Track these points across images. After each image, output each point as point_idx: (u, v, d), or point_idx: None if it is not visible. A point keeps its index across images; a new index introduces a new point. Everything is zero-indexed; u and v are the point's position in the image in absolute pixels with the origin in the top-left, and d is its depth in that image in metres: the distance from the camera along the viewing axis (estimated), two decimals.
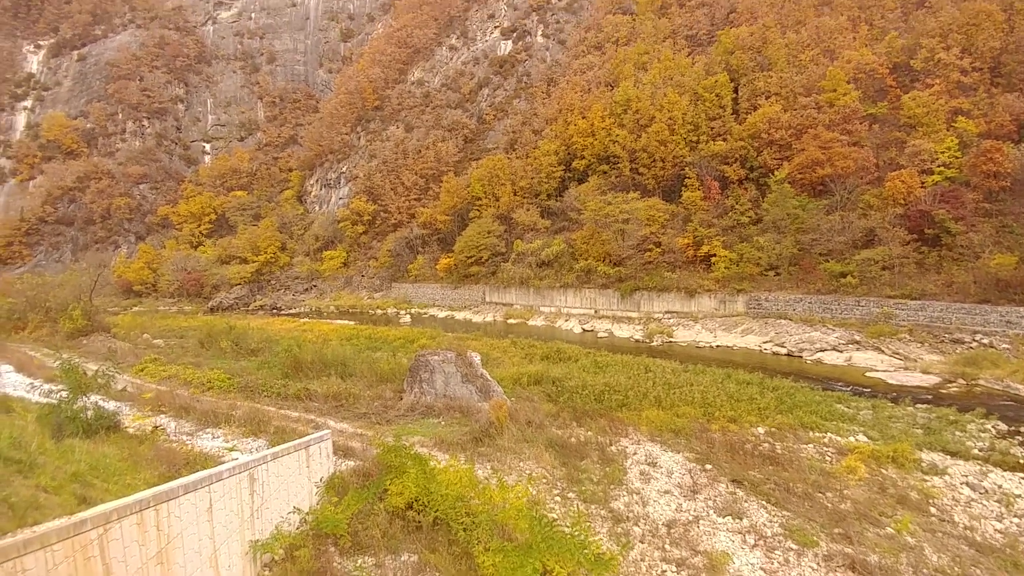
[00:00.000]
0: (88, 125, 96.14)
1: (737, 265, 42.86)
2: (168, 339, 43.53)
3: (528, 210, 59.61)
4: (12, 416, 13.45)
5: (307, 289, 73.60)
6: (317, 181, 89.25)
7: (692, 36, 64.75)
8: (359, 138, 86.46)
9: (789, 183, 43.04)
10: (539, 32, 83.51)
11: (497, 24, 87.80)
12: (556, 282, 54.23)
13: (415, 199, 73.04)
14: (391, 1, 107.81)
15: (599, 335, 45.17)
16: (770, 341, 38.96)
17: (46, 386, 18.25)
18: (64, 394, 14.98)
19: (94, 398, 16.26)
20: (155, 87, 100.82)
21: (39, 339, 42.95)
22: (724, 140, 49.71)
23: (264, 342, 39.33)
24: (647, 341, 42.01)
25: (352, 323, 54.02)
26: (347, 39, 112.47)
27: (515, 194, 62.14)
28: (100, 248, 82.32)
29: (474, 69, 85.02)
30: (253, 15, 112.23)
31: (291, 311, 65.91)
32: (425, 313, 60.10)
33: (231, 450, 15.48)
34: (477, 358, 25.68)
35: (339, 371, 29.94)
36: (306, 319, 58.69)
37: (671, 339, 42.00)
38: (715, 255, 44.32)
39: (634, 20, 71.87)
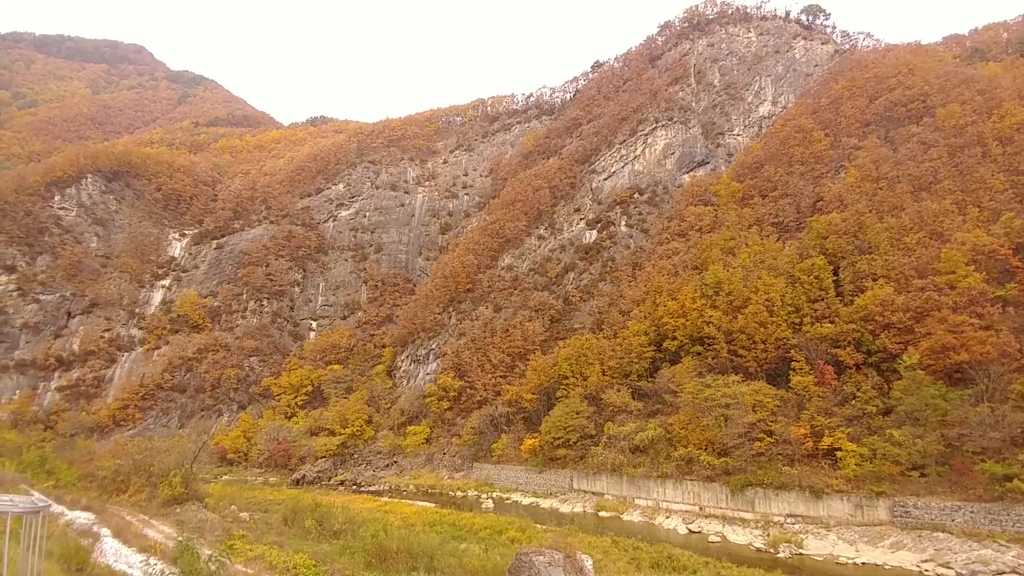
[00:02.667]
0: (215, 303, 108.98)
1: (871, 462, 37.63)
2: (253, 512, 42.67)
3: (619, 391, 57.68)
4: None
5: (388, 465, 72.13)
6: (407, 357, 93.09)
7: (779, 223, 66.66)
8: (450, 317, 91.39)
9: (920, 369, 39.24)
10: (623, 222, 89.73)
11: (583, 216, 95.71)
12: (653, 471, 49.74)
13: (501, 376, 73.43)
14: (486, 201, 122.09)
15: (710, 539, 39.43)
16: (930, 560, 32.12)
17: (159, 565, 17.39)
18: None
19: None
20: (278, 272, 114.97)
21: (137, 503, 43.33)
22: (832, 323, 47.52)
23: (347, 523, 37.47)
24: (770, 551, 35.99)
25: (433, 506, 51.11)
26: (445, 232, 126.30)
27: (604, 374, 60.97)
28: (205, 415, 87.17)
29: (560, 255, 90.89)
30: (367, 214, 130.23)
31: (371, 488, 63.95)
32: (508, 499, 56.14)
33: None
34: (589, 562, 22.53)
35: (426, 564, 27.32)
36: (387, 498, 56.36)
37: (801, 550, 35.76)
38: (840, 448, 39.46)
39: (716, 210, 75.84)
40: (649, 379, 58.43)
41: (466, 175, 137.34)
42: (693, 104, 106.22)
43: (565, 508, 50.94)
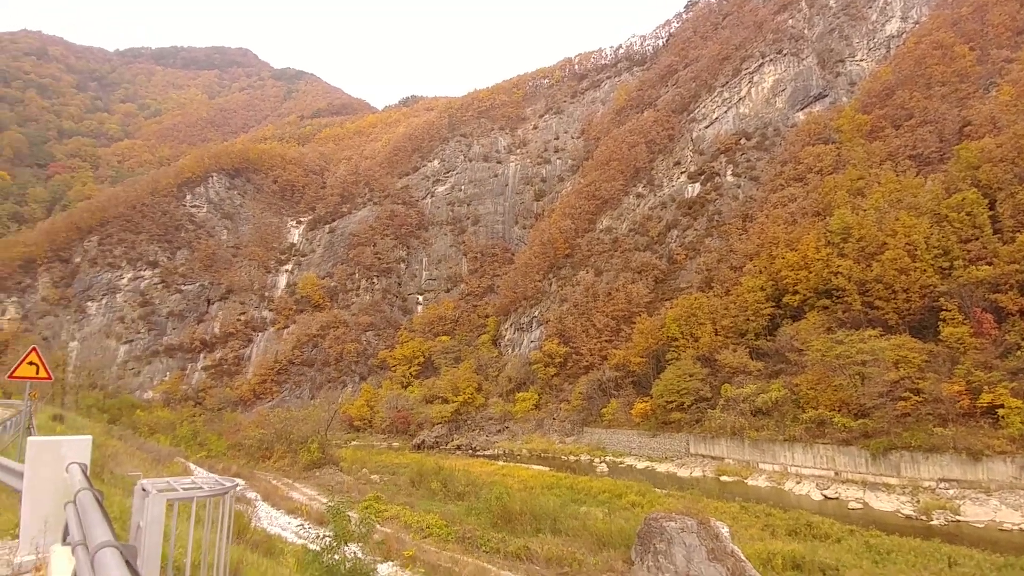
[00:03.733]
0: (332, 283, 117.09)
1: None
2: (383, 475, 45.73)
3: (734, 351, 54.49)
4: (277, 562, 13.62)
5: (499, 430, 74.35)
6: (511, 325, 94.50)
7: (917, 156, 58.44)
8: (550, 284, 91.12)
9: None
10: (728, 172, 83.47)
11: (683, 170, 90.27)
12: (778, 434, 46.76)
13: (607, 341, 72.30)
14: (579, 163, 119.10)
15: (849, 505, 36.45)
16: None
17: (312, 529, 18.94)
18: (327, 540, 15.04)
19: (352, 548, 16.23)
20: (384, 251, 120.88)
21: (280, 468, 48.09)
22: (989, 264, 41.22)
23: (469, 485, 38.97)
24: (922, 518, 32.61)
25: (547, 469, 51.89)
26: (539, 198, 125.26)
27: (716, 334, 57.83)
28: (331, 387, 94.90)
29: (661, 213, 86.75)
30: (462, 187, 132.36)
31: (486, 452, 66.36)
32: (621, 462, 55.66)
33: None
34: (725, 530, 21.43)
35: (550, 526, 27.64)
36: (502, 462, 58.12)
37: (958, 516, 32.07)
38: (1002, 406, 34.64)
39: (838, 148, 68.01)
40: (768, 337, 54.60)
41: (557, 139, 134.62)
42: (805, 32, 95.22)
43: (683, 472, 49.57)
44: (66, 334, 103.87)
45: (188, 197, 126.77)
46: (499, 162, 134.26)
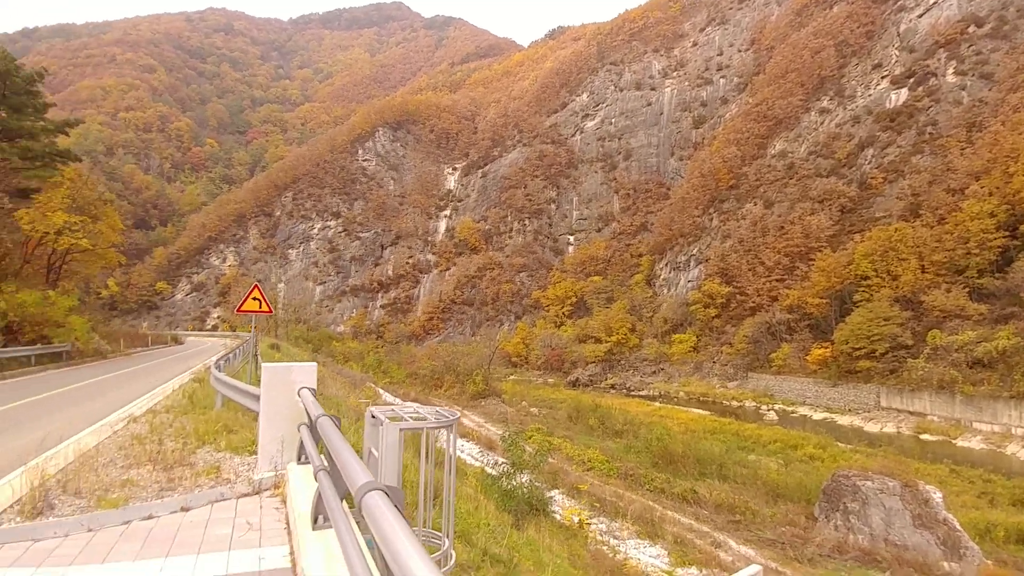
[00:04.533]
0: (486, 227, 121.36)
1: None
2: (541, 408, 47.32)
3: (948, 291, 45.63)
4: (462, 482, 14.26)
5: (654, 372, 72.49)
6: (666, 264, 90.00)
7: None
8: (711, 219, 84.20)
9: None
10: (949, 70, 67.39)
11: (885, 73, 75.09)
12: (1002, 390, 38.99)
13: (777, 280, 65.32)
14: (748, 80, 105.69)
15: None
16: None
17: (491, 455, 20.09)
18: (505, 467, 15.55)
19: (525, 475, 16.70)
20: (534, 192, 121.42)
21: (450, 397, 52.27)
22: None
23: (627, 424, 38.63)
24: None
25: (708, 414, 49.48)
26: (698, 125, 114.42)
27: (923, 271, 48.85)
28: (490, 325, 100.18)
29: (852, 129, 73.84)
30: (613, 120, 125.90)
31: (640, 393, 65.35)
32: (794, 412, 50.98)
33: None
34: (937, 495, 18.19)
35: (715, 472, 26.17)
36: (658, 403, 56.73)
37: None
38: None
39: None
40: (996, 275, 44.77)
41: (720, 54, 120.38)
42: None
43: (871, 427, 43.87)
44: (274, 277, 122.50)
45: (360, 152, 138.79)
46: (652, 89, 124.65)
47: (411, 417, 3.96)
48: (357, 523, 3.37)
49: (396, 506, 2.12)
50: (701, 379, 66.34)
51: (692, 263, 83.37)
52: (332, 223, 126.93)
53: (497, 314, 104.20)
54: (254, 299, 13.85)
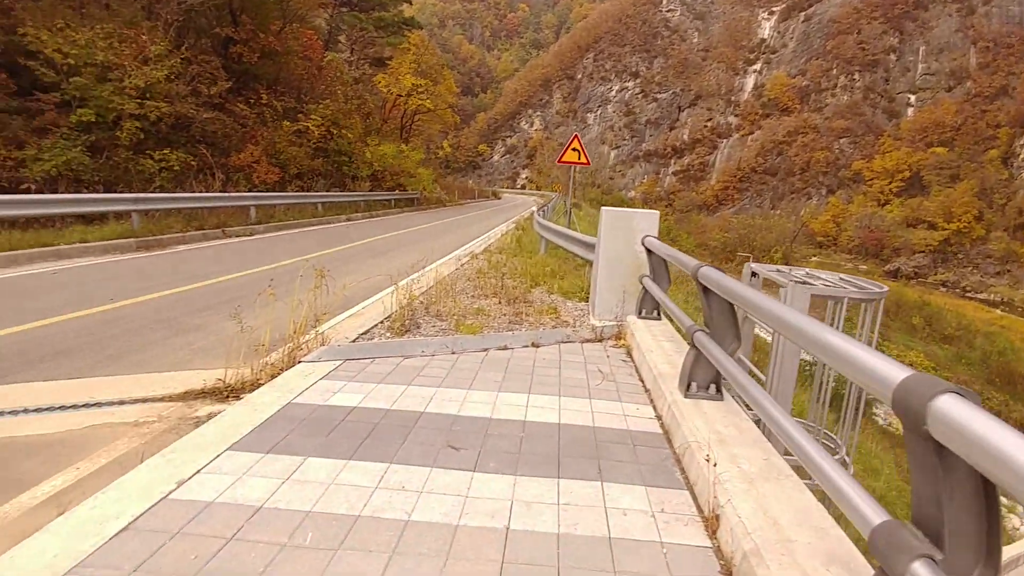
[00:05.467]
0: (804, 83, 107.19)
1: None
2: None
3: None
4: None
5: (999, 272, 61.23)
6: None
7: None
8: None
9: None
10: None
11: None
12: None
13: None
14: None
15: None
16: None
17: None
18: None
19: None
20: (870, 39, 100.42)
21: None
22: None
23: (960, 330, 36.96)
24: None
25: None
26: None
27: None
28: (794, 198, 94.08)
29: None
30: None
31: (978, 295, 57.41)
32: None
33: None
34: None
35: None
36: (1001, 311, 50.00)
37: None
38: None
39: None
40: None
41: None
42: None
43: None
44: None
45: (663, 2, 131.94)
46: None
47: (823, 284, 3.48)
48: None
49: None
50: None
51: None
52: (630, 84, 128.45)
53: (805, 186, 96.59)
54: (573, 150, 13.90)
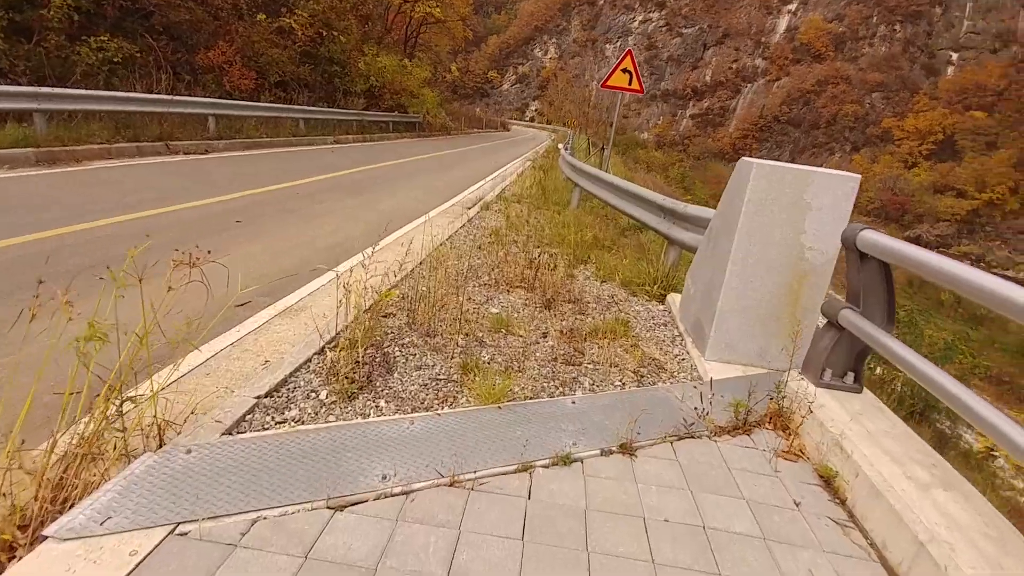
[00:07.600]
0: (841, 29, 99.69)
1: None
2: None
3: None
4: None
5: None
6: None
7: None
8: None
9: None
10: None
11: None
12: None
13: None
14: None
15: None
16: None
17: None
18: None
19: None
20: None
21: None
22: None
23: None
24: None
25: None
26: None
27: None
28: (815, 152, 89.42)
29: None
30: None
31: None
32: None
33: None
34: None
35: None
36: None
37: None
38: None
39: None
40: None
41: None
42: None
43: None
44: (588, 74, 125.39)
45: None
46: None
47: None
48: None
49: None
50: None
51: None
52: (655, 15, 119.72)
53: (828, 141, 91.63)
54: (624, 71, 10.15)
